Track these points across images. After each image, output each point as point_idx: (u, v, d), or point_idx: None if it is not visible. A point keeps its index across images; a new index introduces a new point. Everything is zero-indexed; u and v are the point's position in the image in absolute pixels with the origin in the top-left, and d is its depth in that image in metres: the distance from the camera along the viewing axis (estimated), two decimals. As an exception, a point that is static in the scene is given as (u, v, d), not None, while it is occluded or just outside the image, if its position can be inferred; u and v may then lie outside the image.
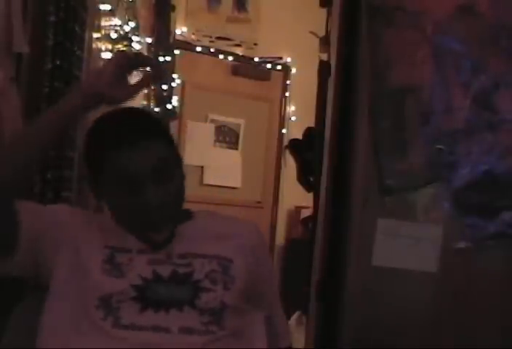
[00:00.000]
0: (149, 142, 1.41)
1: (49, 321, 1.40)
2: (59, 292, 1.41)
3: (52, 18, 2.20)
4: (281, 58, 5.69)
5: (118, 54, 1.54)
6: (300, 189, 4.10)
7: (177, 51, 5.01)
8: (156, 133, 1.45)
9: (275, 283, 1.69)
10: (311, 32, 2.59)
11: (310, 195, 2.55)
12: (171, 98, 4.67)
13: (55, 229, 1.44)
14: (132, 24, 3.41)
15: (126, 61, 1.42)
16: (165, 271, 1.42)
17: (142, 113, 1.54)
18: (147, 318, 1.36)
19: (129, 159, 1.39)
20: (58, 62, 2.26)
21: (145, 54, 4.03)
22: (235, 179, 5.53)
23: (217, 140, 5.54)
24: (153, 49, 4.18)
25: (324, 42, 2.44)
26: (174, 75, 4.85)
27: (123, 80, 1.41)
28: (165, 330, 1.36)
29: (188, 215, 1.55)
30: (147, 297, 1.38)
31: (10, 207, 1.40)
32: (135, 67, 1.47)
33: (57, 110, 1.42)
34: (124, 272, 1.40)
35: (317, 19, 2.59)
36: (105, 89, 1.38)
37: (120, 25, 3.24)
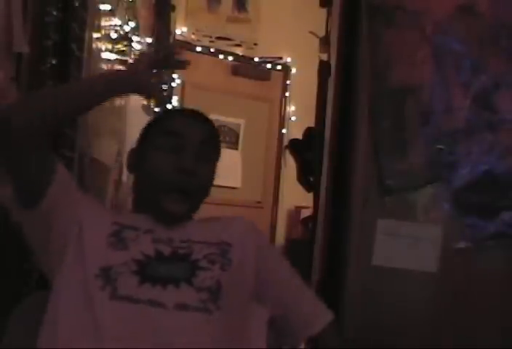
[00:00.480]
0: (205, 123, 1.59)
1: (57, 297, 1.42)
2: (63, 281, 1.43)
3: (52, 18, 2.19)
4: (281, 58, 5.69)
5: (149, 53, 1.67)
6: (300, 189, 4.09)
7: (177, 51, 5.00)
8: (212, 126, 1.61)
9: (288, 271, 1.63)
10: (311, 32, 2.59)
11: (310, 195, 2.55)
12: (171, 98, 4.67)
13: (75, 206, 1.48)
14: (132, 24, 3.41)
15: (156, 60, 1.56)
16: (166, 250, 1.46)
17: (207, 118, 1.65)
18: (144, 291, 1.39)
19: (185, 123, 1.56)
20: (58, 62, 2.26)
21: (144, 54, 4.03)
22: (235, 179, 5.53)
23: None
24: (153, 49, 4.18)
25: (324, 42, 2.44)
26: (174, 75, 4.85)
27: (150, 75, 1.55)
28: (161, 305, 1.38)
29: (191, 216, 1.60)
30: (146, 272, 1.41)
31: (51, 158, 1.45)
32: (163, 67, 1.60)
33: (93, 83, 1.56)
34: (128, 246, 1.45)
35: (317, 19, 2.59)
36: (141, 75, 1.51)
37: (120, 25, 3.23)
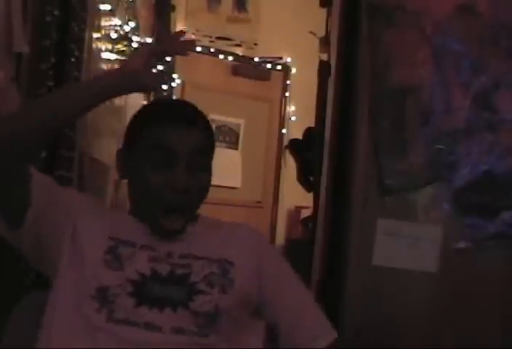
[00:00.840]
0: (194, 128, 1.46)
1: (51, 310, 1.41)
2: (60, 283, 1.42)
3: (52, 18, 2.19)
4: (281, 58, 5.69)
5: (148, 44, 1.59)
6: (300, 189, 4.10)
7: (177, 51, 5.00)
8: (202, 126, 1.49)
9: (292, 278, 1.58)
10: (310, 32, 2.59)
11: (310, 195, 2.55)
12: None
13: (62, 212, 1.44)
14: (132, 24, 3.41)
15: (155, 49, 1.49)
16: (163, 270, 1.42)
17: (193, 105, 1.55)
18: (140, 314, 1.36)
19: (173, 134, 1.43)
20: (58, 62, 2.26)
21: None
22: (235, 179, 5.53)
23: (216, 140, 5.54)
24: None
25: (324, 42, 2.44)
26: (174, 75, 4.85)
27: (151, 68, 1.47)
28: (157, 328, 1.36)
29: (195, 217, 1.54)
30: (143, 293, 1.38)
31: (25, 174, 1.39)
32: (162, 56, 1.53)
33: (91, 86, 1.45)
34: (124, 265, 1.41)
35: (317, 19, 2.59)
36: (141, 68, 1.41)
37: (120, 25, 3.23)
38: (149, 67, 1.44)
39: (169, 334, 1.36)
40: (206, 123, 1.52)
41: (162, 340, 1.35)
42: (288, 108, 5.76)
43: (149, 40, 4.11)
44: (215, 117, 5.47)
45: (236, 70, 5.55)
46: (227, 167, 5.49)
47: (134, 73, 1.41)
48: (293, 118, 5.71)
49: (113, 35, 3.19)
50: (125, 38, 3.33)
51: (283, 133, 5.72)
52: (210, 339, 1.38)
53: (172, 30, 4.81)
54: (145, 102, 4.36)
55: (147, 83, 1.44)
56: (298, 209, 5.47)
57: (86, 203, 1.52)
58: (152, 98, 4.37)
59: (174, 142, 1.43)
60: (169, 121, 1.45)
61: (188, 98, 5.31)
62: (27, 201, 1.39)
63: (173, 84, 4.75)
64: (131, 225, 1.49)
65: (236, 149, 5.61)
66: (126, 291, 1.38)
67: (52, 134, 1.44)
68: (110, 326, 1.35)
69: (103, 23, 3.02)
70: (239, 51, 5.53)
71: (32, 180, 1.40)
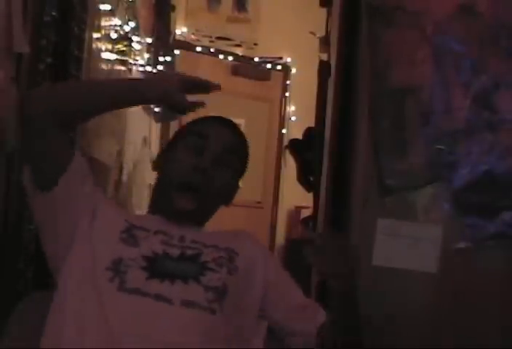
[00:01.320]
0: (232, 132, 1.63)
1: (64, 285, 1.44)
2: (74, 257, 1.46)
3: (52, 18, 2.19)
4: (281, 58, 5.69)
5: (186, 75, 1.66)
6: (300, 189, 4.10)
7: (177, 52, 5.01)
8: (239, 141, 1.65)
9: (291, 287, 1.62)
10: (311, 32, 2.59)
11: (310, 196, 2.56)
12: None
13: (87, 198, 1.53)
14: (132, 24, 3.41)
15: (192, 82, 1.60)
16: (174, 253, 1.47)
17: (238, 128, 1.69)
18: (152, 285, 1.40)
19: (213, 128, 1.61)
20: (58, 62, 2.26)
21: (146, 54, 4.03)
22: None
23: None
24: (153, 49, 4.18)
25: (324, 42, 2.44)
26: (174, 76, 4.84)
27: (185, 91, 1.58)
28: (167, 300, 1.38)
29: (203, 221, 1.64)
30: (155, 267, 1.43)
31: (70, 148, 1.52)
32: (194, 91, 1.62)
33: (129, 90, 1.57)
34: (139, 243, 1.46)
35: (317, 19, 2.60)
36: (179, 86, 1.54)
37: (120, 25, 3.23)
38: (184, 90, 1.56)
39: (179, 306, 1.38)
40: (243, 140, 1.67)
41: (172, 312, 1.38)
42: (288, 108, 5.76)
43: (149, 40, 4.11)
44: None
45: (235, 70, 5.56)
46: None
47: (171, 90, 1.53)
48: (293, 118, 5.71)
49: (113, 36, 3.19)
50: (125, 38, 3.34)
51: (283, 133, 5.72)
52: (216, 317, 1.40)
53: (172, 30, 4.82)
54: (145, 103, 4.36)
55: (181, 102, 1.56)
56: (298, 209, 5.47)
57: (104, 198, 1.63)
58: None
59: (211, 131, 1.59)
60: (213, 119, 1.65)
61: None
62: (65, 166, 1.46)
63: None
64: (146, 217, 1.59)
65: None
66: (140, 265, 1.42)
67: (71, 120, 1.54)
68: (120, 295, 1.38)
69: (103, 23, 3.02)
70: (239, 51, 5.54)
71: (74, 155, 1.50)
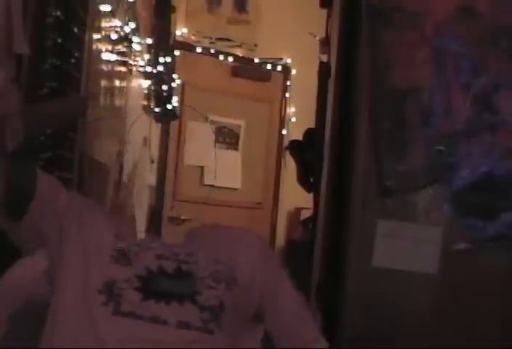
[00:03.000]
0: None
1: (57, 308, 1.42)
2: (64, 280, 1.44)
3: (52, 19, 2.19)
4: (281, 59, 5.69)
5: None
6: (300, 190, 4.09)
7: (177, 52, 5.01)
8: None
9: (290, 295, 1.58)
10: (310, 33, 2.59)
11: (311, 196, 2.55)
12: (171, 98, 4.67)
13: (64, 216, 1.49)
14: (132, 25, 3.41)
15: None
16: (170, 267, 1.45)
17: None
18: (147, 307, 1.38)
19: None
20: (58, 63, 2.26)
21: (146, 55, 4.03)
22: (235, 180, 5.53)
23: (217, 141, 5.54)
24: (153, 50, 4.18)
25: (324, 43, 2.44)
26: (174, 76, 4.85)
27: None
28: (163, 322, 1.37)
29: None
30: (150, 287, 1.41)
31: (33, 174, 1.49)
32: None
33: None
34: (132, 261, 1.44)
35: (317, 20, 2.59)
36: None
37: (120, 26, 3.23)
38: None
39: (174, 328, 1.36)
40: None
41: (167, 334, 1.36)
42: (288, 109, 5.76)
43: (149, 41, 4.11)
44: (215, 118, 5.47)
45: (236, 71, 5.55)
46: (227, 168, 5.49)
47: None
48: (293, 119, 5.71)
49: (113, 36, 3.19)
50: (125, 39, 3.34)
51: (283, 134, 5.72)
52: (215, 337, 1.38)
53: (172, 31, 4.82)
54: (145, 103, 4.36)
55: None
56: (298, 209, 5.47)
57: (86, 204, 1.56)
58: (152, 97, 4.37)
59: None
60: None
61: (188, 99, 5.31)
62: (31, 194, 1.45)
63: (173, 85, 4.75)
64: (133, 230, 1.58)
65: (236, 150, 5.61)
66: (133, 286, 1.40)
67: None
68: (115, 319, 1.36)
69: (103, 24, 3.02)
70: (239, 52, 5.53)
71: (37, 176, 1.48)
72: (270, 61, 5.65)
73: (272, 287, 1.55)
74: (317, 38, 2.55)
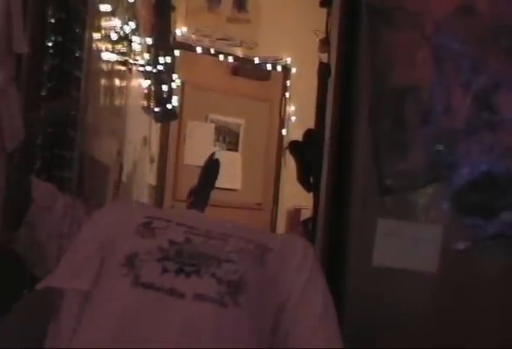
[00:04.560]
0: None
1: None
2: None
3: (52, 18, 2.20)
4: (281, 58, 5.69)
5: None
6: (300, 190, 4.09)
7: (177, 52, 5.01)
8: None
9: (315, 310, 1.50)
10: (315, 31, 2.58)
11: (310, 196, 2.55)
12: (171, 98, 4.67)
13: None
14: (132, 24, 3.41)
15: None
16: (197, 239, 1.45)
17: None
18: (166, 279, 1.38)
19: None
20: (58, 63, 2.26)
21: (146, 54, 4.03)
22: (235, 181, 5.53)
23: (217, 141, 5.54)
24: (152, 49, 4.18)
25: (324, 42, 2.44)
26: (174, 76, 4.85)
27: None
28: (180, 295, 1.36)
29: None
30: (171, 259, 1.41)
31: (27, 184, 1.52)
32: None
33: None
34: (156, 234, 1.45)
35: (317, 19, 2.59)
36: None
37: (120, 26, 3.23)
38: None
39: (190, 300, 1.36)
40: None
41: (182, 307, 1.36)
42: (288, 108, 5.77)
43: (149, 40, 4.11)
44: (215, 117, 5.47)
45: (236, 71, 5.56)
46: (227, 169, 5.49)
47: None
48: (293, 119, 5.71)
49: (113, 36, 3.19)
50: (125, 38, 3.34)
51: (283, 133, 5.72)
52: (229, 311, 1.37)
53: (172, 31, 4.82)
54: (144, 103, 4.36)
55: None
56: (298, 209, 5.47)
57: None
58: (152, 96, 4.37)
59: None
60: None
61: (188, 98, 5.31)
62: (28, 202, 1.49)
63: (173, 84, 4.76)
64: (175, 210, 1.58)
65: (236, 151, 5.61)
66: (155, 258, 1.40)
67: None
68: (133, 290, 1.37)
69: (103, 24, 3.02)
70: (239, 51, 5.54)
71: (32, 185, 1.52)
72: (270, 60, 5.66)
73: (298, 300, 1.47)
74: (319, 36, 2.55)
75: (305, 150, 3.95)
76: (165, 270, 1.39)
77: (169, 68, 4.57)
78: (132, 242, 1.44)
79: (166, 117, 4.76)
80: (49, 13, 2.18)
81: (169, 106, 4.62)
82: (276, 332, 1.44)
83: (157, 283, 1.37)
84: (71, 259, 1.46)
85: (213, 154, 1.91)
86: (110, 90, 3.31)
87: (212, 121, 5.44)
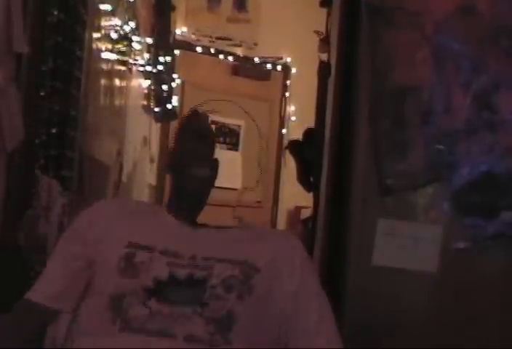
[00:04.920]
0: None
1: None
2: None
3: (52, 18, 2.20)
4: (281, 58, 5.69)
5: None
6: (300, 189, 4.09)
7: (177, 51, 5.01)
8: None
9: (312, 299, 1.53)
10: (315, 31, 2.59)
11: (311, 195, 2.56)
12: (171, 98, 4.67)
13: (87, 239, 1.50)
14: (132, 24, 3.41)
15: None
16: (181, 273, 1.41)
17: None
18: (155, 322, 1.35)
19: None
20: (58, 62, 2.26)
21: (146, 54, 4.03)
22: (235, 180, 5.53)
23: (217, 141, 5.54)
24: (152, 49, 4.18)
25: (324, 42, 2.44)
26: (174, 75, 4.85)
27: None
28: (171, 336, 1.34)
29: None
30: (157, 300, 1.37)
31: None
32: None
33: None
34: (140, 271, 1.41)
35: (317, 19, 2.59)
36: None
37: (120, 25, 3.23)
38: None
39: (182, 341, 1.34)
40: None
41: (175, 347, 1.33)
42: (288, 108, 5.76)
43: (149, 40, 4.11)
44: (215, 117, 5.47)
45: (236, 70, 5.56)
46: (227, 169, 5.49)
47: None
48: (293, 118, 5.71)
49: (113, 35, 3.19)
50: (125, 38, 3.34)
51: (283, 133, 5.72)
52: None
53: (172, 30, 4.82)
54: (144, 103, 4.37)
55: None
56: (298, 209, 5.47)
57: (107, 211, 1.56)
58: (152, 96, 4.37)
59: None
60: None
61: (188, 98, 5.31)
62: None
63: (173, 84, 4.76)
64: (157, 222, 1.53)
65: (237, 150, 5.62)
66: (141, 300, 1.37)
67: None
68: (124, 335, 1.35)
69: (103, 23, 3.02)
70: (239, 51, 5.54)
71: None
72: (270, 60, 5.65)
73: (295, 289, 1.49)
74: (320, 36, 2.55)
75: (305, 149, 3.94)
76: (152, 313, 1.36)
77: (169, 68, 4.57)
78: (116, 281, 1.40)
79: (166, 117, 4.76)
80: (49, 13, 2.18)
81: (169, 106, 4.62)
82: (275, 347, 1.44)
83: (145, 326, 1.35)
84: (51, 277, 1.47)
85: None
86: (110, 90, 3.31)
87: (212, 121, 5.45)
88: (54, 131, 2.28)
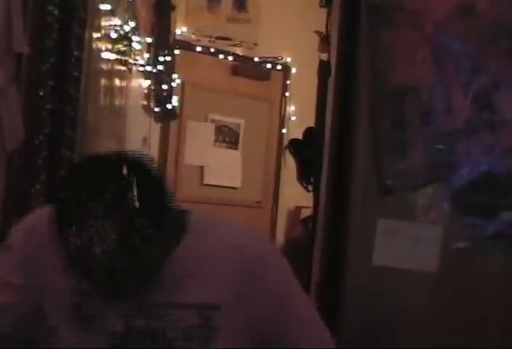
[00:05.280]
0: None
1: None
2: None
3: (52, 18, 2.19)
4: (281, 58, 5.69)
5: None
6: (300, 189, 4.09)
7: (177, 51, 5.01)
8: None
9: (293, 315, 1.36)
10: (316, 31, 2.58)
11: (310, 195, 2.55)
12: (171, 98, 4.67)
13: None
14: (131, 24, 3.41)
15: None
16: (138, 323, 1.28)
17: None
18: None
19: None
20: (58, 62, 2.26)
21: (146, 54, 4.03)
22: (235, 179, 5.53)
23: (217, 140, 5.54)
24: (152, 49, 4.18)
25: (324, 42, 2.44)
26: (174, 75, 4.85)
27: None
28: None
29: (178, 236, 1.29)
30: None
31: None
32: None
33: None
34: (94, 324, 1.29)
35: (317, 19, 2.59)
36: None
37: (120, 25, 3.23)
38: None
39: None
40: None
41: None
42: (288, 108, 5.76)
43: (149, 40, 4.11)
44: (215, 117, 5.47)
45: (235, 70, 5.56)
46: (227, 167, 5.49)
47: None
48: (293, 118, 5.71)
49: (113, 35, 3.19)
50: (125, 38, 3.34)
51: (283, 133, 5.72)
52: None
53: (172, 30, 4.82)
54: (144, 103, 4.36)
55: None
56: (298, 208, 5.47)
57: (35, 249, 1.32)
58: (152, 96, 4.37)
59: None
60: None
61: (187, 98, 5.31)
62: None
63: (173, 84, 4.75)
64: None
65: (236, 149, 5.61)
66: None
67: None
68: None
69: (103, 23, 3.02)
70: (239, 51, 5.53)
71: None
72: (270, 60, 5.65)
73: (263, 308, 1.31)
74: (320, 36, 2.54)
75: (305, 148, 3.94)
76: None
77: (169, 68, 4.57)
78: (71, 338, 1.28)
79: (166, 117, 4.76)
80: (49, 12, 2.18)
81: (169, 106, 4.62)
82: None
83: None
84: None
85: None
86: (110, 90, 3.31)
87: (212, 121, 5.44)
88: (53, 131, 2.28)
